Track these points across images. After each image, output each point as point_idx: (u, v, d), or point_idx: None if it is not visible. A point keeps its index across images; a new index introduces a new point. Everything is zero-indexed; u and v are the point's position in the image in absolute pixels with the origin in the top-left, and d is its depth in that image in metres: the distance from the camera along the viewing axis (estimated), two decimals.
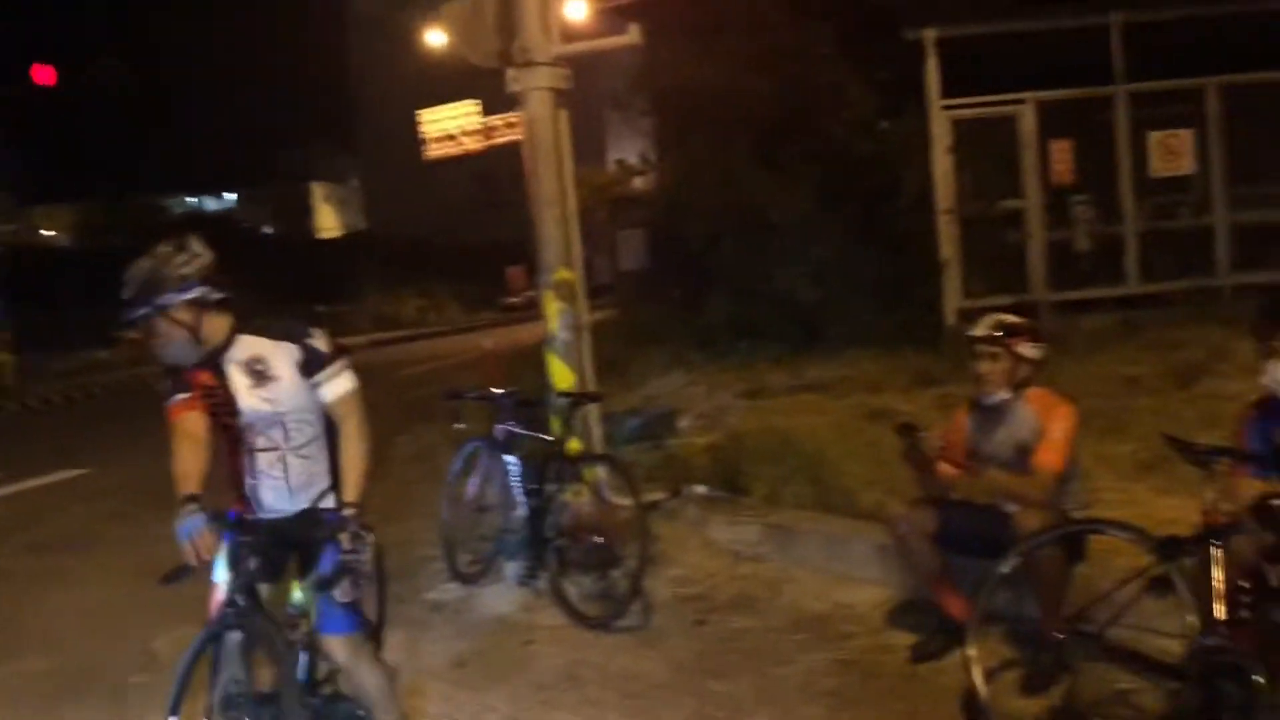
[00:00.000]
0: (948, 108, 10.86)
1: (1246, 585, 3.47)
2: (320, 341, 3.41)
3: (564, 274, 6.01)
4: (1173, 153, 10.87)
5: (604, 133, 31.67)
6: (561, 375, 6.04)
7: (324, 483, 3.49)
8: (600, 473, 5.95)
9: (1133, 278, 10.92)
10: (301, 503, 3.46)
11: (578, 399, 5.95)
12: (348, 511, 3.35)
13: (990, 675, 3.98)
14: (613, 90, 14.73)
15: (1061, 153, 10.97)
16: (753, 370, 10.29)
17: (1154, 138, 10.90)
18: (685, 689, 4.46)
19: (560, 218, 5.97)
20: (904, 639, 4.67)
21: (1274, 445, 3.67)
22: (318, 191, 57.09)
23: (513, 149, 8.10)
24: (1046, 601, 4.08)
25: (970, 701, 3.87)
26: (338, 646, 3.48)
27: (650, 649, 4.94)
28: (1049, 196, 11.06)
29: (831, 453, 6.54)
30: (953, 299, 10.81)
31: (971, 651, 3.90)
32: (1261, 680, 3.32)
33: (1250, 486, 3.58)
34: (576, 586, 5.51)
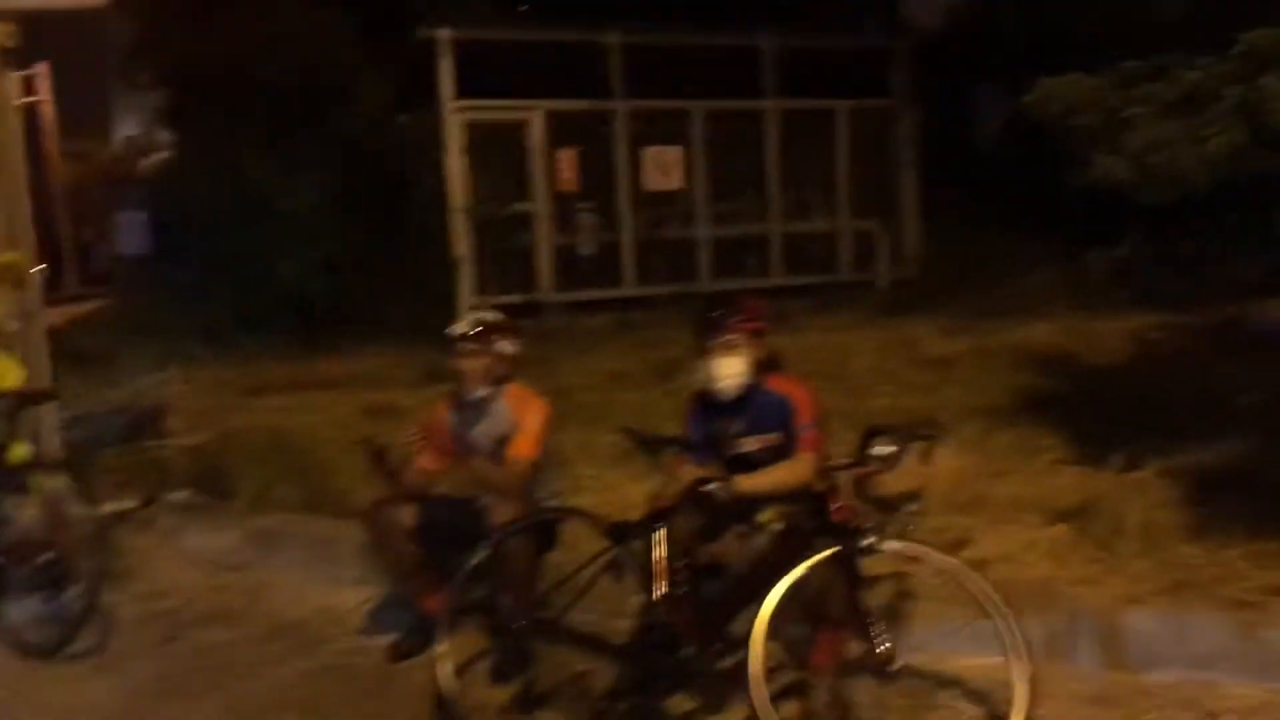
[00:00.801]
0: (462, 109, 11.03)
1: (684, 564, 3.79)
2: None
3: (8, 257, 5.29)
4: (663, 169, 11.86)
5: (111, 106, 28.69)
6: (6, 372, 5.30)
7: None
8: (54, 481, 5.29)
9: (629, 281, 11.79)
10: None
11: (25, 399, 5.25)
12: None
13: (464, 667, 4.04)
14: (118, 60, 13.41)
15: (567, 161, 11.56)
16: (258, 365, 9.77)
17: (647, 153, 11.83)
18: (139, 714, 4.09)
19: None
20: (384, 640, 4.61)
21: (709, 435, 4.05)
22: None
23: None
24: (516, 591, 4.20)
25: (439, 697, 3.89)
26: None
27: (105, 675, 4.48)
28: (556, 202, 11.61)
29: (327, 451, 6.36)
30: (466, 296, 10.99)
31: (441, 646, 3.92)
32: (690, 652, 3.64)
33: (692, 472, 3.91)
34: (20, 611, 4.86)
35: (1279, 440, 5.26)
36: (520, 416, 4.49)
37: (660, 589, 3.68)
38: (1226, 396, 5.88)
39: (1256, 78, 4.50)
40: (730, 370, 3.94)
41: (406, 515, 4.44)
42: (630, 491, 5.58)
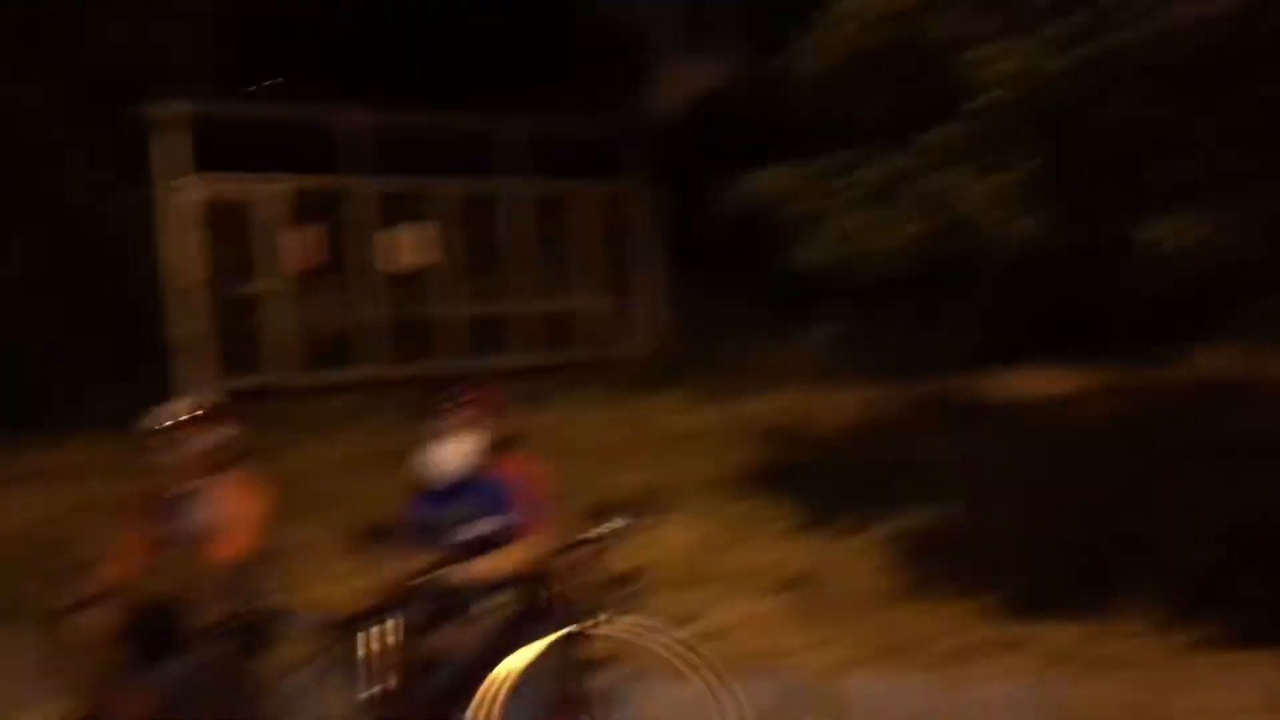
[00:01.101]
0: (198, 184, 10.52)
1: (406, 657, 3.64)
2: None
3: None
4: (409, 248, 11.75)
5: None
6: None
7: None
8: None
9: (373, 362, 11.49)
10: None
11: None
12: None
13: None
14: None
15: (312, 238, 11.24)
16: None
17: (393, 232, 11.68)
18: None
19: None
20: None
21: (434, 521, 3.94)
22: None
23: None
24: (225, 696, 3.90)
25: None
26: None
27: None
28: (298, 281, 11.22)
29: (23, 552, 5.80)
30: (201, 378, 10.37)
31: None
32: None
33: (415, 561, 3.78)
34: None
35: (979, 505, 5.67)
36: (233, 509, 4.21)
37: (380, 684, 3.52)
38: (935, 464, 6.30)
39: (943, 170, 4.90)
40: (453, 455, 3.88)
41: (102, 619, 4.06)
42: (361, 583, 5.35)
